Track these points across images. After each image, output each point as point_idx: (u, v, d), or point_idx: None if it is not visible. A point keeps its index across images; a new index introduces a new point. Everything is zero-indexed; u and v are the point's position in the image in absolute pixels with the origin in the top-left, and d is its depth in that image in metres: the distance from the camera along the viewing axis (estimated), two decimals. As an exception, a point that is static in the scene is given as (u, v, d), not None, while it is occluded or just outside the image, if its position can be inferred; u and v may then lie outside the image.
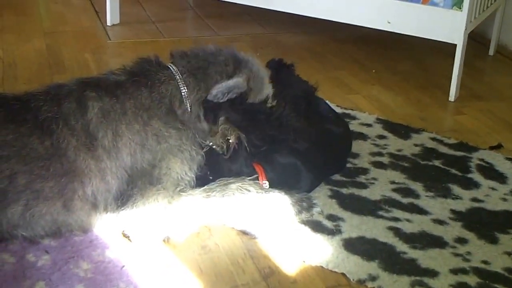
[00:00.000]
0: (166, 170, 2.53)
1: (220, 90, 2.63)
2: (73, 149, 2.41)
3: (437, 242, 2.58)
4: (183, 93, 2.63)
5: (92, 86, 2.55)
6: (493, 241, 2.61)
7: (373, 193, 2.89)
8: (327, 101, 3.35)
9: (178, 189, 2.54)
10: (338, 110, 3.57)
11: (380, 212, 2.75)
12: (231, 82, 2.65)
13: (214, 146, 2.69)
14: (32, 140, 2.39)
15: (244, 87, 2.68)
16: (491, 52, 4.85)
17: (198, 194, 2.56)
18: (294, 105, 3.00)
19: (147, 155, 2.51)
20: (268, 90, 2.83)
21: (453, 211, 2.79)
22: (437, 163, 3.20)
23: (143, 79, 2.62)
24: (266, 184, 2.71)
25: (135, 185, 2.48)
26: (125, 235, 2.49)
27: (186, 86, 2.64)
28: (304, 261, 2.44)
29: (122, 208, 2.48)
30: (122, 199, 2.48)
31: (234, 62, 2.74)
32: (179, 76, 2.64)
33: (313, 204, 2.72)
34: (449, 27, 3.87)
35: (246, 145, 2.69)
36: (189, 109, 2.64)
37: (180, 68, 2.67)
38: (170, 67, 2.68)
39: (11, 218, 2.35)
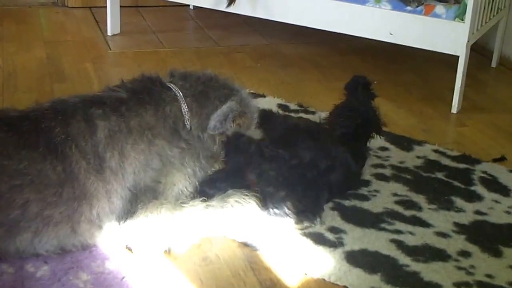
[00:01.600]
0: (171, 185, 2.53)
1: (217, 119, 2.66)
2: (83, 172, 2.39)
3: (440, 255, 2.56)
4: (185, 116, 2.62)
5: (97, 104, 2.51)
6: (497, 254, 2.59)
7: (375, 206, 2.87)
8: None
9: (180, 201, 2.54)
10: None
11: (383, 225, 2.73)
12: (224, 108, 2.68)
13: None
14: (45, 166, 2.34)
15: (238, 109, 2.70)
16: (494, 64, 4.84)
17: (198, 205, 2.54)
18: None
19: (151, 173, 2.50)
20: (255, 118, 2.90)
21: (456, 224, 2.77)
22: (439, 175, 3.18)
23: (147, 97, 2.60)
24: None
25: (139, 202, 2.47)
26: (127, 247, 2.47)
27: (189, 110, 2.64)
28: (306, 274, 2.42)
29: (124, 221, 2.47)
30: (126, 218, 2.46)
31: (228, 88, 2.77)
32: (182, 100, 2.64)
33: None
34: (452, 39, 3.86)
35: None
36: (190, 130, 2.64)
37: (183, 91, 2.67)
38: (172, 88, 2.67)
39: (19, 245, 2.33)
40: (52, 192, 2.33)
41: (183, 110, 2.62)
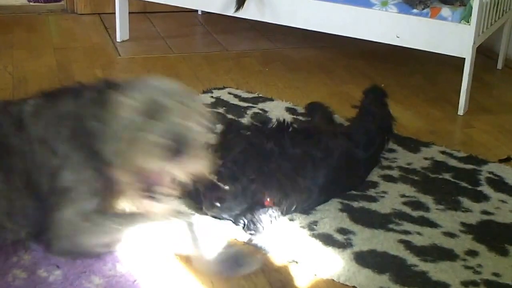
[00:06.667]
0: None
1: None
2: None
3: (448, 255, 2.58)
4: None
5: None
6: (504, 253, 2.61)
7: (383, 207, 2.90)
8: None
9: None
10: (346, 123, 3.56)
11: (391, 225, 2.76)
12: None
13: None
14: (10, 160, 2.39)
15: None
16: (500, 65, 4.86)
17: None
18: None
19: None
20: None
21: (463, 224, 2.79)
22: (447, 176, 3.20)
23: None
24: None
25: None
26: (136, 251, 2.50)
27: None
28: (315, 275, 2.44)
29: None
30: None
31: None
32: None
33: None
34: (458, 41, 3.88)
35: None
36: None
37: None
38: None
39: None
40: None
41: None
